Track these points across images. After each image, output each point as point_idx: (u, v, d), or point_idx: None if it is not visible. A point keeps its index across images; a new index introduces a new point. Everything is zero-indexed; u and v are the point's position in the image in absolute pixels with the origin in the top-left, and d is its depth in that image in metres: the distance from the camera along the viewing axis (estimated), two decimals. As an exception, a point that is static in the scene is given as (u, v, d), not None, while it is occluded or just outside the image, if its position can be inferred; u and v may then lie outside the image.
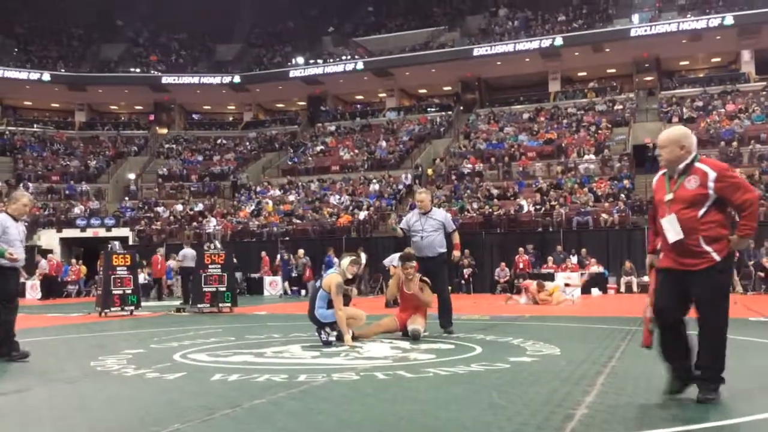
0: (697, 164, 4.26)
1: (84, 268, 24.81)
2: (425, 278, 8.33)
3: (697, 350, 4.24)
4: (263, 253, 23.90)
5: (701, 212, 4.20)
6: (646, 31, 33.15)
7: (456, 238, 8.91)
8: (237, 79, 40.67)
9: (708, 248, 4.17)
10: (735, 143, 26.06)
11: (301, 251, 22.71)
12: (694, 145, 4.32)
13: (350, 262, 7.75)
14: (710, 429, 3.57)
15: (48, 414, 4.30)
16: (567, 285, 15.14)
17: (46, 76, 39.32)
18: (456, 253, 8.89)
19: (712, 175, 4.17)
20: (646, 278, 20.38)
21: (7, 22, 43.11)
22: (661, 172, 4.50)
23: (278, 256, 23.07)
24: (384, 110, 40.26)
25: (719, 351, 4.20)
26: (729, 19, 31.37)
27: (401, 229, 8.97)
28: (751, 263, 19.52)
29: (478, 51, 35.90)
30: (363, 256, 8.10)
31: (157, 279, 21.98)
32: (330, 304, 7.49)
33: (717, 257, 4.17)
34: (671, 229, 4.25)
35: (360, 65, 38.31)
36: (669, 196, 4.30)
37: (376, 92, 42.18)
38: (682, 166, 4.29)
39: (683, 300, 4.27)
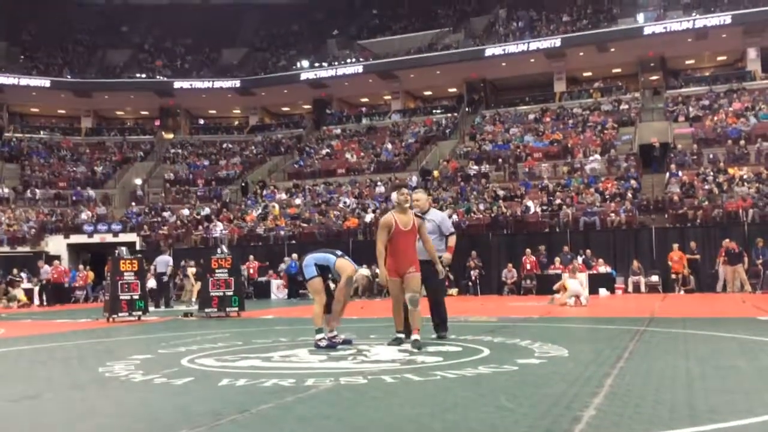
0: None
1: (91, 274, 24.83)
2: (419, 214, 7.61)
3: None
4: (56, 262, 23.36)
5: None
6: (651, 30, 33.03)
7: (452, 241, 8.12)
8: (242, 83, 40.75)
9: None
10: (742, 141, 25.96)
11: (294, 255, 23.00)
12: None
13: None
14: (719, 430, 3.54)
15: (57, 420, 4.33)
16: (576, 297, 15.10)
17: (53, 83, 39.48)
18: (447, 256, 8.01)
19: None
20: (654, 278, 20.57)
21: (12, 29, 43.37)
22: None
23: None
24: (389, 112, 40.28)
25: None
26: (735, 18, 31.23)
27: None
28: (759, 261, 19.41)
29: (483, 52, 35.88)
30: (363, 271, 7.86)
31: (253, 280, 23.42)
32: (321, 269, 7.49)
33: None
34: None
35: (365, 68, 38.31)
36: None
37: (381, 95, 42.17)
38: None
39: None
